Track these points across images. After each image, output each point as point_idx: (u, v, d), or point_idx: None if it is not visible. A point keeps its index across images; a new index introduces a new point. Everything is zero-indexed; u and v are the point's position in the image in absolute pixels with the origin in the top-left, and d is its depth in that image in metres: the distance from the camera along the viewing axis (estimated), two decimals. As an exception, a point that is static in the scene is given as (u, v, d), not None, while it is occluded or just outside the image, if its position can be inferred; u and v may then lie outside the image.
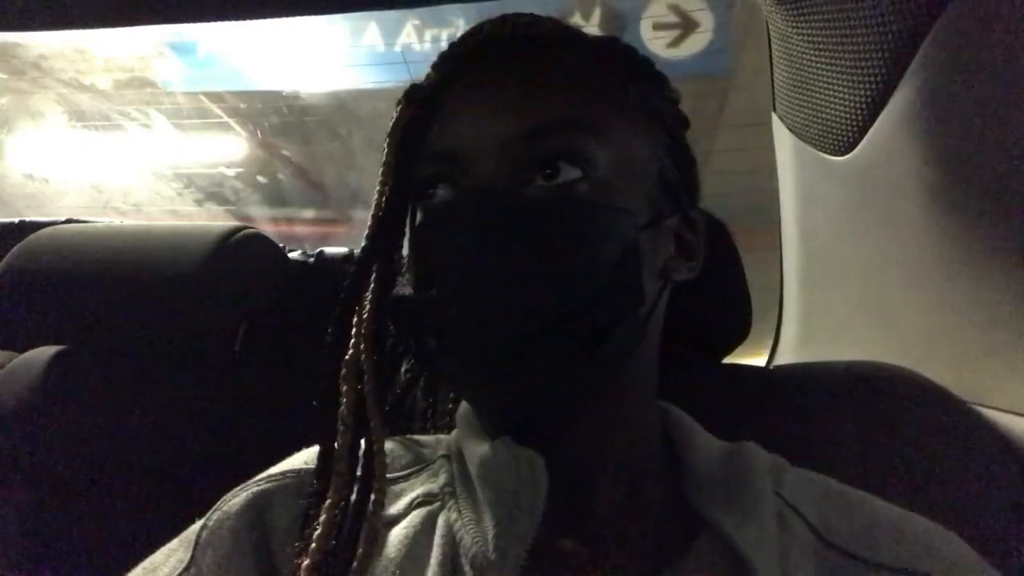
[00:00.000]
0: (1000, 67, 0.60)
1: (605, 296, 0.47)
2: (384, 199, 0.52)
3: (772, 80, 0.92)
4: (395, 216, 0.52)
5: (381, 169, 0.52)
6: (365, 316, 0.51)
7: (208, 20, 0.80)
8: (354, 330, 0.51)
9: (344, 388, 0.50)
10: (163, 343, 0.84)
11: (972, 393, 0.71)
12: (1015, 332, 0.66)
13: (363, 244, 0.52)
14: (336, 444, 0.50)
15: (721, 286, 0.74)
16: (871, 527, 0.48)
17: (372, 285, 0.52)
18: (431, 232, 0.50)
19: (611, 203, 0.48)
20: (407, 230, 0.53)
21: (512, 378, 0.46)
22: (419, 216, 0.52)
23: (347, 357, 0.51)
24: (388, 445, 0.53)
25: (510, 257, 0.45)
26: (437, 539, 0.49)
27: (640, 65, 0.57)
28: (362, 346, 0.51)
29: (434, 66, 0.54)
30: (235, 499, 0.53)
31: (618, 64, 0.55)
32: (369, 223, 0.52)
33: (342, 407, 0.50)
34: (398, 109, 0.53)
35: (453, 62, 0.53)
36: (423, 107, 0.52)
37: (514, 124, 0.48)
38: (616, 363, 0.50)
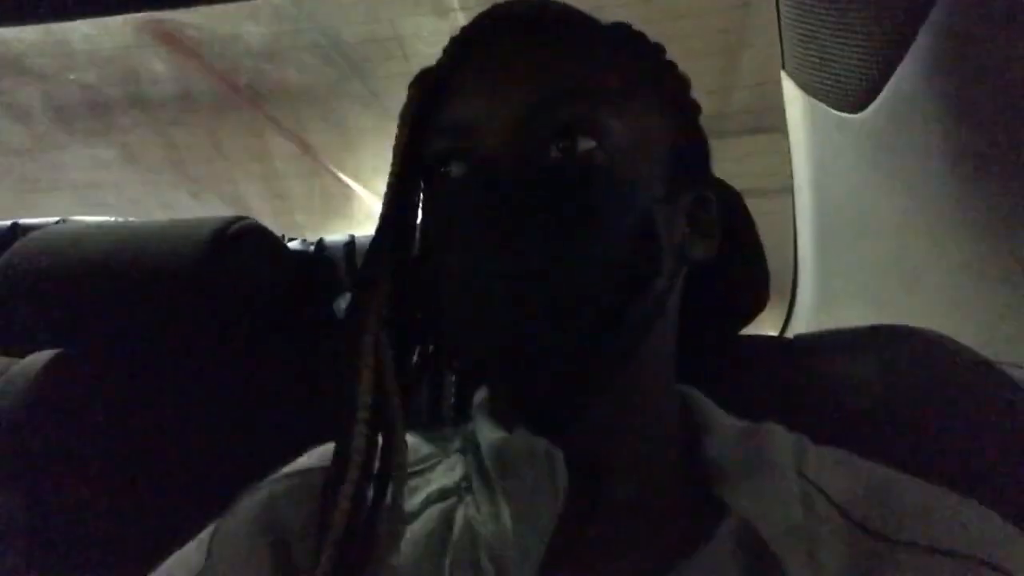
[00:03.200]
0: (1017, 25, 0.58)
1: (623, 266, 0.46)
2: (397, 177, 0.51)
3: (780, 36, 0.89)
4: (409, 194, 0.52)
5: (394, 146, 0.51)
6: (382, 297, 0.50)
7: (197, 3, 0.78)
8: (371, 316, 0.50)
9: (362, 376, 0.49)
10: (163, 340, 0.83)
11: (999, 353, 0.69)
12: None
13: (378, 225, 0.51)
14: (353, 436, 0.48)
15: (737, 257, 0.72)
16: (900, 506, 0.46)
17: (388, 266, 0.51)
18: (445, 206, 0.50)
19: (624, 175, 0.48)
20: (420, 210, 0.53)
21: (532, 349, 0.45)
22: (435, 190, 0.52)
23: (364, 343, 0.49)
24: (405, 438, 0.51)
25: (525, 227, 0.45)
26: (455, 534, 0.49)
27: (651, 47, 0.56)
28: (381, 331, 0.50)
29: (446, 49, 0.53)
30: (249, 500, 0.53)
31: (629, 45, 0.54)
32: (383, 203, 0.52)
33: (359, 396, 0.48)
34: (409, 90, 0.52)
35: (465, 43, 0.52)
36: (434, 88, 0.51)
37: (527, 94, 0.47)
38: (635, 336, 0.49)
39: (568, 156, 0.47)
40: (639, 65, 0.53)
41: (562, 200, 0.45)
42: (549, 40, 0.50)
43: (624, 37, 0.55)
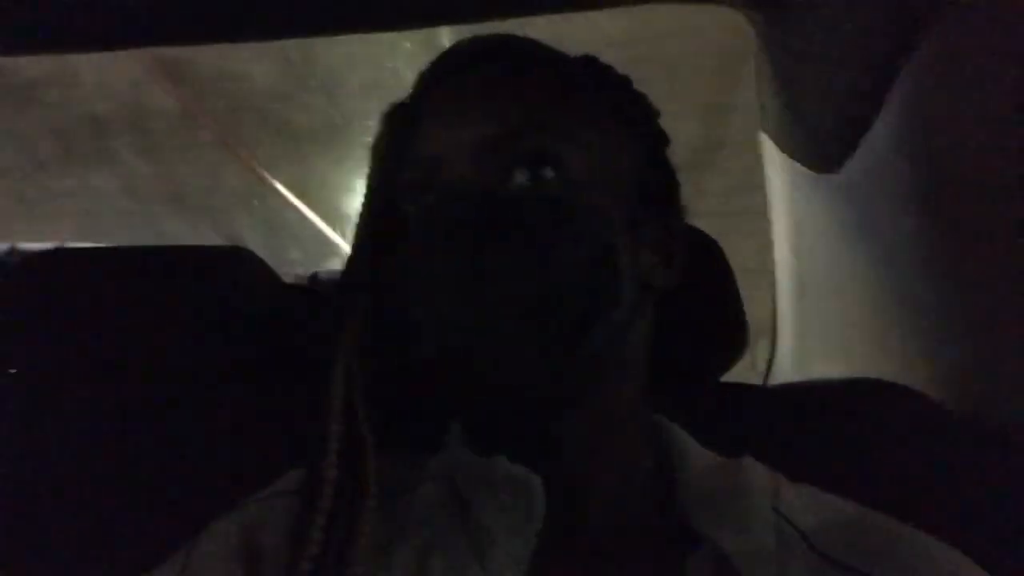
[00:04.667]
0: (987, 83, 0.61)
1: (581, 293, 0.47)
2: (368, 208, 0.53)
3: (759, 99, 0.92)
4: (380, 226, 0.52)
5: (366, 180, 0.53)
6: (355, 331, 0.51)
7: (204, 42, 0.80)
8: (344, 346, 0.51)
9: (333, 404, 0.49)
10: (156, 365, 0.83)
11: (966, 406, 0.71)
12: (1010, 346, 0.66)
13: (350, 255, 0.53)
14: (323, 465, 0.48)
15: (715, 304, 0.74)
16: (870, 543, 0.48)
17: (360, 300, 0.52)
18: (418, 236, 0.50)
19: (586, 204, 0.49)
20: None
21: (493, 371, 0.46)
22: (408, 222, 0.52)
23: (336, 371, 0.50)
24: (379, 464, 0.51)
25: (484, 253, 0.46)
26: (431, 564, 0.48)
27: (616, 80, 0.58)
28: (353, 359, 0.51)
29: (415, 83, 0.55)
30: (223, 523, 0.53)
31: (595, 77, 0.56)
32: (354, 233, 0.53)
33: (330, 424, 0.49)
34: (380, 125, 0.54)
35: (433, 76, 0.54)
36: (404, 122, 0.53)
37: (487, 126, 0.49)
38: (596, 361, 0.50)
39: (527, 186, 0.48)
40: (603, 97, 0.54)
41: (521, 228, 0.47)
42: (513, 73, 0.52)
43: (589, 70, 0.57)
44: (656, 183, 0.56)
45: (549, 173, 0.48)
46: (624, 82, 0.58)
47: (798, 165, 0.86)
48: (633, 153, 0.55)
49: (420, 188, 0.51)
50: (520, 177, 0.48)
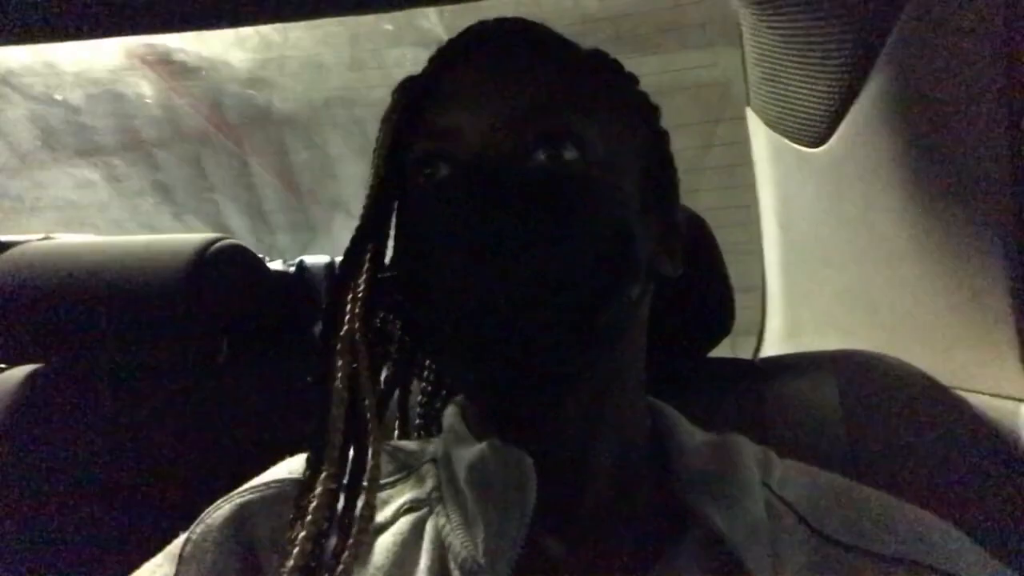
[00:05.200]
0: (964, 59, 0.61)
1: (604, 268, 0.47)
2: (379, 179, 0.52)
3: (746, 76, 0.92)
4: (390, 197, 0.52)
5: (375, 151, 0.52)
6: (359, 299, 0.51)
7: (183, 29, 0.79)
8: (347, 317, 0.50)
9: (336, 387, 0.49)
10: (143, 357, 0.83)
11: (953, 377, 0.72)
12: (993, 316, 0.66)
13: (357, 225, 0.52)
14: (325, 447, 0.48)
15: (703, 281, 0.74)
16: (861, 516, 0.48)
17: (366, 268, 0.51)
18: (430, 207, 0.49)
19: (607, 184, 0.49)
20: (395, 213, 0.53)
21: (513, 348, 0.45)
22: (416, 194, 0.52)
23: (339, 353, 0.50)
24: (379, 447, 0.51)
25: (512, 227, 0.45)
26: (425, 545, 0.49)
27: (626, 76, 0.58)
28: (357, 335, 0.50)
29: (431, 59, 0.54)
30: (219, 511, 0.53)
31: (606, 69, 0.56)
32: (364, 204, 0.52)
33: (333, 407, 0.48)
34: (392, 97, 0.53)
35: (449, 54, 0.53)
36: (419, 93, 0.52)
37: (515, 101, 0.48)
38: (609, 337, 0.50)
39: (552, 162, 0.48)
40: (615, 88, 0.55)
41: (545, 203, 0.46)
42: (531, 52, 0.51)
43: (601, 62, 0.57)
44: (659, 176, 0.57)
45: (571, 151, 0.48)
46: (632, 78, 0.58)
47: (784, 140, 0.86)
48: (641, 144, 0.55)
49: (435, 159, 0.50)
50: (542, 153, 0.48)
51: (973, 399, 0.70)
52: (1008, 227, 0.62)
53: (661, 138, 0.59)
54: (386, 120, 0.52)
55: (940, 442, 0.67)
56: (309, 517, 0.46)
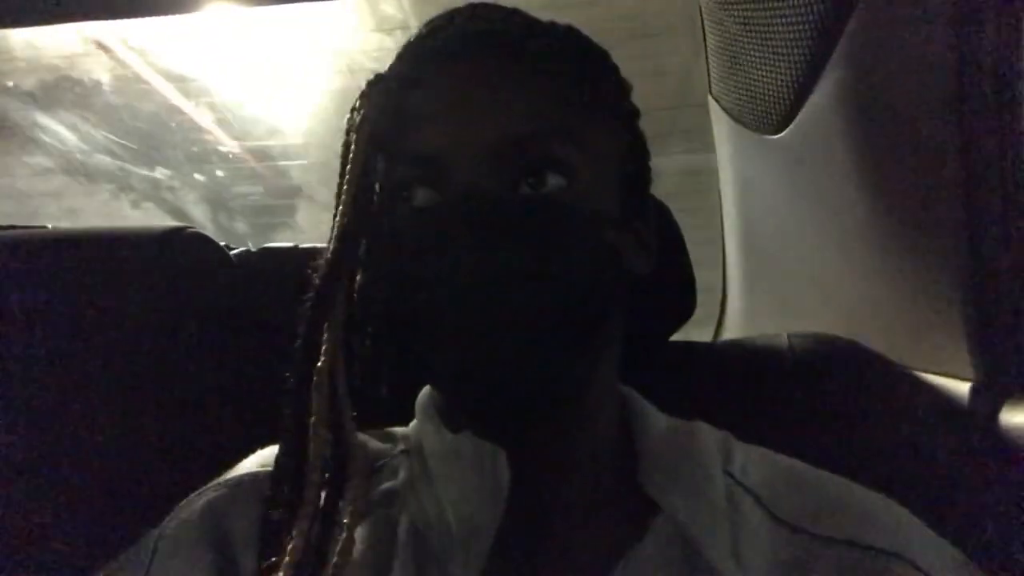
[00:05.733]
0: (915, 51, 0.63)
1: (590, 293, 0.47)
2: (355, 194, 0.50)
3: (707, 63, 0.94)
4: (366, 211, 0.51)
5: (348, 167, 0.50)
6: (337, 319, 0.50)
7: (140, 15, 0.78)
8: (326, 336, 0.49)
9: (317, 394, 0.48)
10: (105, 349, 0.82)
11: (906, 357, 0.74)
12: (944, 300, 0.69)
13: (332, 245, 0.50)
14: (308, 449, 0.47)
15: (666, 266, 0.75)
16: (818, 501, 0.49)
17: (343, 287, 0.50)
18: (414, 235, 0.49)
19: (591, 209, 0.49)
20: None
21: (501, 375, 0.46)
22: (396, 219, 0.51)
23: (320, 363, 0.49)
24: (358, 440, 0.51)
25: (502, 260, 0.45)
26: (400, 537, 0.49)
27: (598, 57, 0.57)
28: (336, 352, 0.49)
29: (401, 57, 0.53)
30: (191, 506, 0.52)
31: (581, 59, 0.54)
32: (337, 223, 0.51)
33: (317, 404, 0.48)
34: (362, 101, 0.52)
35: (423, 56, 0.52)
36: (393, 101, 0.51)
37: (500, 130, 0.48)
38: (596, 360, 0.51)
39: (538, 192, 0.48)
40: (594, 84, 0.53)
41: (535, 234, 0.46)
42: (512, 66, 0.50)
43: (576, 48, 0.55)
44: (636, 168, 0.57)
45: (559, 181, 0.48)
46: (604, 56, 0.57)
47: (745, 129, 0.87)
48: (620, 139, 0.55)
49: (419, 185, 0.50)
50: (528, 183, 0.48)
51: (926, 379, 0.72)
52: (958, 215, 0.64)
53: (633, 116, 0.58)
54: (358, 132, 0.51)
55: (893, 419, 0.69)
56: (302, 513, 0.45)
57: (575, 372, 0.49)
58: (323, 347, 0.49)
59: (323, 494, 0.47)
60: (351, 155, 0.50)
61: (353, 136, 0.51)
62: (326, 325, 0.50)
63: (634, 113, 0.59)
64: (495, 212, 0.46)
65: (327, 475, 0.47)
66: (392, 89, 0.51)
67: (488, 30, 0.51)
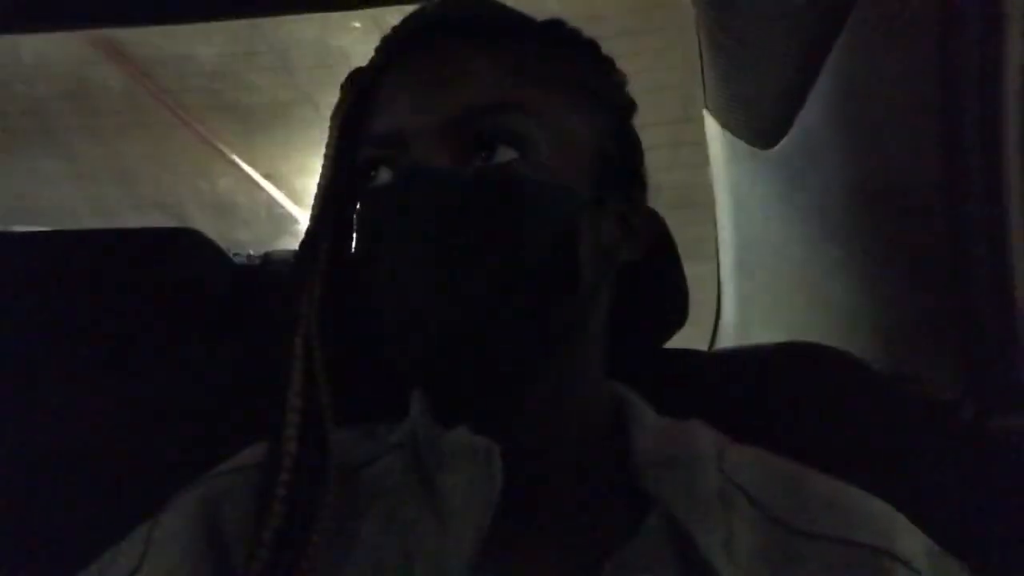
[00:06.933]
0: (902, 65, 0.64)
1: (543, 271, 0.47)
2: (327, 180, 0.51)
3: (703, 77, 0.95)
4: (339, 197, 0.52)
5: (324, 151, 0.52)
6: (314, 301, 0.50)
7: (151, 23, 0.79)
8: (303, 319, 0.50)
9: (293, 377, 0.49)
10: (105, 350, 0.83)
11: (894, 367, 0.75)
12: (932, 311, 0.70)
13: (307, 229, 0.52)
14: (282, 437, 0.48)
15: (658, 275, 0.76)
16: (809, 500, 0.50)
17: (318, 272, 0.51)
18: (370, 214, 0.50)
19: (548, 182, 0.49)
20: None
21: (461, 350, 0.46)
22: (362, 199, 0.52)
23: (296, 343, 0.49)
24: (339, 436, 0.51)
25: (446, 235, 0.46)
26: (394, 531, 0.49)
27: (583, 47, 0.57)
28: (313, 331, 0.50)
29: (377, 49, 0.54)
30: (184, 498, 0.53)
31: (559, 46, 0.55)
32: (313, 204, 0.52)
33: (291, 397, 0.48)
34: (340, 93, 0.53)
35: (394, 45, 0.53)
36: (365, 91, 0.52)
37: (450, 105, 0.48)
38: (561, 335, 0.50)
39: (490, 166, 0.48)
40: (569, 67, 0.53)
41: (483, 208, 0.47)
42: (476, 46, 0.51)
43: (557, 36, 0.55)
44: (621, 155, 0.56)
45: (511, 153, 0.48)
46: (593, 48, 0.57)
47: (739, 141, 0.89)
48: (597, 124, 0.54)
49: (382, 164, 0.51)
50: (482, 158, 0.48)
51: (911, 387, 0.73)
52: (944, 227, 0.65)
53: (625, 108, 0.58)
54: (332, 120, 0.52)
55: (880, 428, 0.70)
56: (272, 511, 0.46)
57: (536, 345, 0.49)
58: (299, 337, 0.50)
59: (295, 488, 0.47)
60: (328, 140, 0.52)
61: (331, 123, 0.52)
62: (302, 312, 0.50)
63: (624, 104, 0.58)
64: (437, 186, 0.47)
65: (301, 463, 0.47)
66: (365, 77, 0.53)
67: (458, 16, 0.52)
